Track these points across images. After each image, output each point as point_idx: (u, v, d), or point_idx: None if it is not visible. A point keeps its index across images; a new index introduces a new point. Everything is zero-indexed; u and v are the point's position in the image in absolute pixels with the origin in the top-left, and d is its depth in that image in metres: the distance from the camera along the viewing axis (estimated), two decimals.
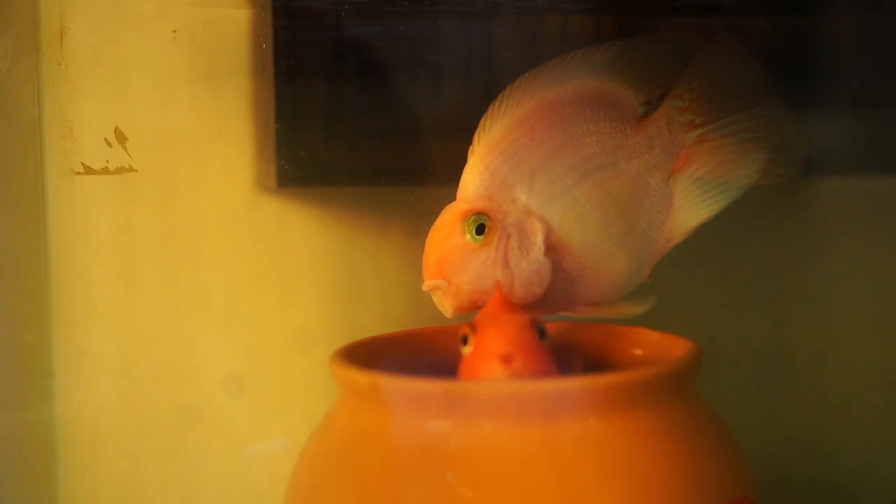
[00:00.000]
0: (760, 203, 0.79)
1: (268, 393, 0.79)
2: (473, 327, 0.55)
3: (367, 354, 0.60)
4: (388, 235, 0.80)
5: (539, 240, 0.61)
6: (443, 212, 0.62)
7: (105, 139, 0.75)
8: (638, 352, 0.62)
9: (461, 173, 0.73)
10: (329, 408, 0.59)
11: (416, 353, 0.64)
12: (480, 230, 0.60)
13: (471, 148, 0.63)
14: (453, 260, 0.60)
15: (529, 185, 0.62)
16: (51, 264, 0.76)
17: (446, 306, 0.61)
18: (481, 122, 0.63)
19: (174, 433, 0.78)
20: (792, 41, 0.79)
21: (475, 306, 0.61)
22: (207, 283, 0.78)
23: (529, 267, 0.61)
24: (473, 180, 0.62)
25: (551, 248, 0.62)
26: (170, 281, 0.78)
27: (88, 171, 0.75)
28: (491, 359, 0.53)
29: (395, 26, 0.77)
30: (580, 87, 0.64)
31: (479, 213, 0.61)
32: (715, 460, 0.54)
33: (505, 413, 0.51)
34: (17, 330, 0.75)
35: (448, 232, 0.61)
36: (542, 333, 0.55)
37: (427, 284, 0.61)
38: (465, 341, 0.56)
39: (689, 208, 0.64)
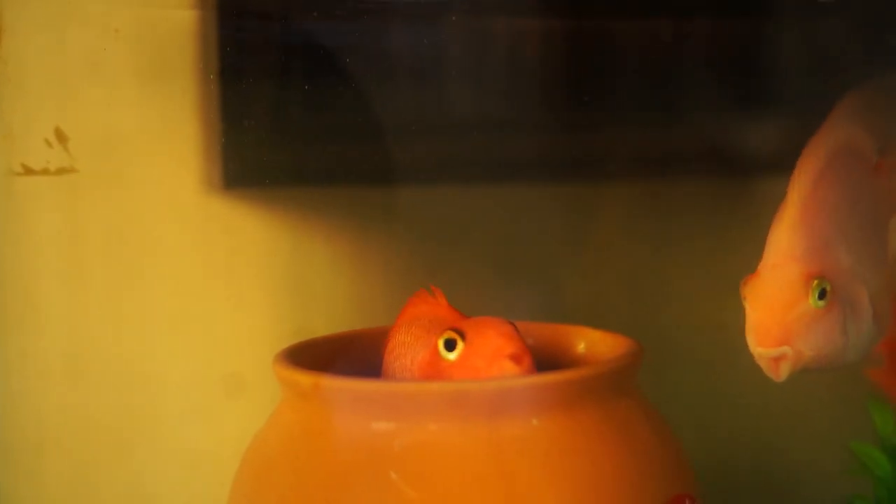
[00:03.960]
0: (708, 200, 0.80)
1: (217, 394, 0.79)
2: (460, 332, 0.55)
3: (313, 355, 0.60)
4: (336, 236, 0.80)
5: (866, 304, 0.59)
6: (772, 271, 0.58)
7: (46, 140, 0.74)
8: (580, 350, 0.63)
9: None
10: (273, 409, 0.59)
11: (362, 353, 0.64)
12: (823, 295, 0.57)
13: (785, 202, 0.59)
14: (800, 327, 0.57)
15: (848, 246, 0.59)
16: None
17: (782, 372, 0.57)
18: (794, 175, 0.60)
19: (121, 436, 0.78)
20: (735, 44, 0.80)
21: (806, 370, 0.58)
22: (154, 284, 0.77)
23: (861, 332, 0.58)
24: (801, 240, 0.58)
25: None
26: (116, 282, 0.77)
27: (29, 172, 0.74)
28: (502, 359, 0.53)
29: (342, 25, 0.77)
30: (847, 134, 0.62)
31: (822, 278, 0.57)
32: (656, 458, 0.54)
33: (449, 413, 0.51)
34: None
35: (794, 297, 0.57)
36: None
37: (770, 352, 0.57)
38: (450, 346, 0.55)
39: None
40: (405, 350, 0.60)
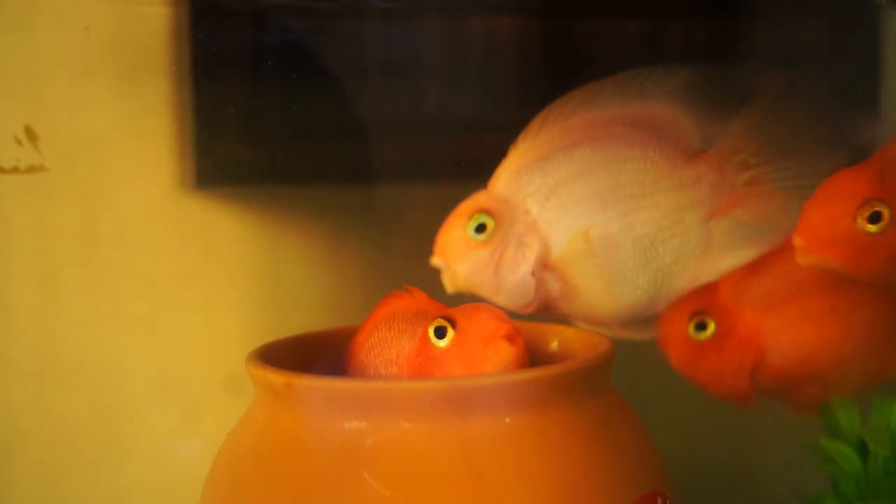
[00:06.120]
0: None
1: (190, 395, 0.78)
2: (451, 319, 0.55)
3: (286, 354, 0.60)
4: (311, 234, 0.80)
5: (531, 257, 0.62)
6: (470, 196, 0.63)
7: (16, 138, 0.73)
8: (553, 348, 0.63)
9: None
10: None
11: (337, 352, 0.64)
12: (480, 229, 0.62)
13: (513, 145, 0.63)
14: (453, 248, 0.62)
15: (545, 200, 0.62)
16: None
17: (446, 285, 0.63)
18: (531, 123, 0.63)
19: (95, 437, 0.77)
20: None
21: (471, 294, 0.63)
22: (127, 284, 0.77)
23: (514, 279, 0.62)
24: (500, 179, 0.63)
25: (544, 268, 0.62)
26: (88, 282, 0.76)
27: None
28: (497, 340, 0.53)
29: (315, 24, 0.77)
30: (639, 108, 0.63)
31: (484, 213, 0.62)
32: (627, 456, 0.54)
33: (421, 412, 0.51)
34: None
35: (457, 221, 0.63)
36: None
37: (432, 260, 0.64)
38: (440, 334, 0.55)
39: (726, 251, 0.63)
40: (388, 345, 0.59)
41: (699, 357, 0.65)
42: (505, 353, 0.53)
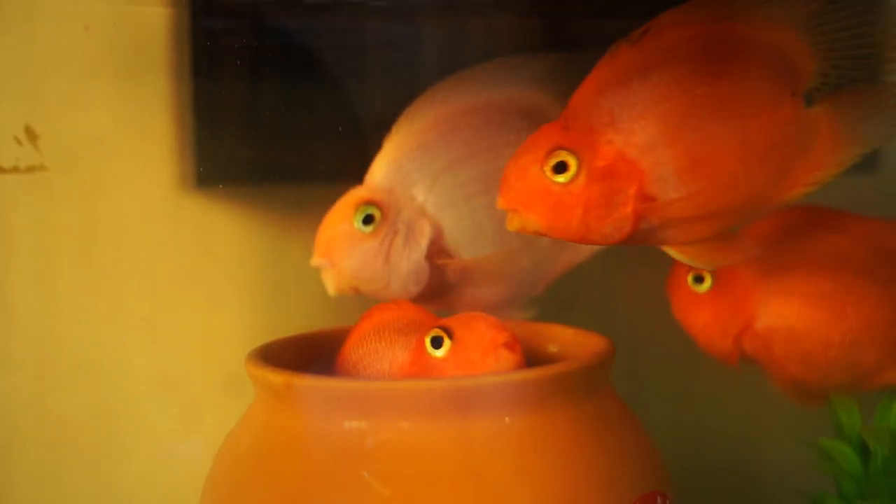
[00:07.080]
0: None
1: (190, 395, 0.78)
2: (448, 328, 0.55)
3: (286, 354, 0.60)
4: (310, 234, 0.79)
5: (423, 243, 0.62)
6: (346, 193, 0.63)
7: (16, 137, 0.73)
8: (553, 349, 0.63)
9: None
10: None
11: (336, 352, 0.64)
12: (368, 220, 0.62)
13: (387, 136, 0.63)
14: (339, 244, 0.62)
15: (431, 186, 0.63)
16: None
17: (329, 285, 0.63)
18: (405, 113, 0.64)
19: (95, 437, 0.77)
20: None
21: (356, 291, 0.63)
22: (127, 283, 0.77)
23: (408, 266, 0.62)
24: (379, 169, 0.64)
25: (436, 254, 0.63)
26: (88, 281, 0.76)
27: None
28: (498, 349, 0.54)
29: (315, 24, 0.77)
30: (511, 94, 0.64)
31: (370, 204, 0.62)
32: (627, 456, 0.55)
33: (421, 411, 0.52)
34: None
35: (340, 216, 0.62)
36: None
37: (313, 261, 0.63)
38: (437, 343, 0.55)
39: None
40: (380, 356, 0.59)
41: (694, 309, 0.66)
42: (505, 361, 0.54)
